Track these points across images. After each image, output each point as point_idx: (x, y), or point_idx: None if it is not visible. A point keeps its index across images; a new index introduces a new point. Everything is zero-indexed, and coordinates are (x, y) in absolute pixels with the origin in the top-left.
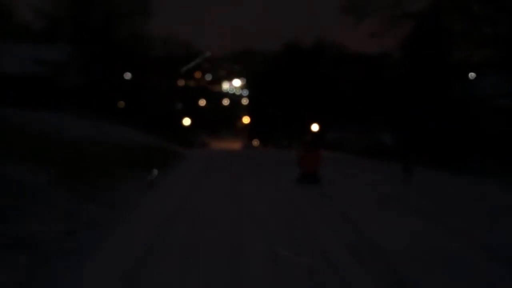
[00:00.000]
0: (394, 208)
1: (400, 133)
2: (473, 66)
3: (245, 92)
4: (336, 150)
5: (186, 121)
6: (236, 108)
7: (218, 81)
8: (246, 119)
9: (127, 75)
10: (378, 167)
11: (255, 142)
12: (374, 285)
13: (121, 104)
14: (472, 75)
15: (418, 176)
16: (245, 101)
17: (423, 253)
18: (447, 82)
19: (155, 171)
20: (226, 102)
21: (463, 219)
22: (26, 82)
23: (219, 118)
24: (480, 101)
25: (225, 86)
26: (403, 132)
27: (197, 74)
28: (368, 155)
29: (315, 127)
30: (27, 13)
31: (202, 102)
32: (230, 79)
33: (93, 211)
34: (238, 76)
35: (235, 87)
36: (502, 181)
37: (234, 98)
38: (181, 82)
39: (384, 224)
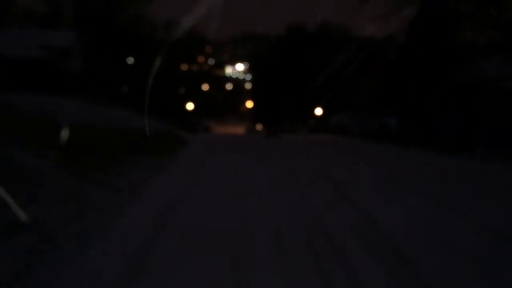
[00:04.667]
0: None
1: (405, 116)
2: (479, 48)
3: (248, 77)
4: (341, 134)
5: (190, 106)
6: (239, 92)
7: (221, 65)
8: (249, 104)
9: (130, 60)
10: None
11: (259, 127)
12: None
13: (124, 88)
14: None
15: (422, 159)
16: (248, 86)
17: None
18: (453, 64)
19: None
20: (229, 86)
21: (464, 199)
22: (31, 66)
23: (222, 102)
24: (486, 84)
25: (228, 70)
26: (408, 115)
27: (200, 59)
28: (372, 139)
29: (318, 111)
30: None
31: (205, 87)
32: (233, 63)
33: (100, 194)
34: (241, 60)
35: (238, 71)
36: (508, 164)
37: (237, 82)
38: (184, 67)
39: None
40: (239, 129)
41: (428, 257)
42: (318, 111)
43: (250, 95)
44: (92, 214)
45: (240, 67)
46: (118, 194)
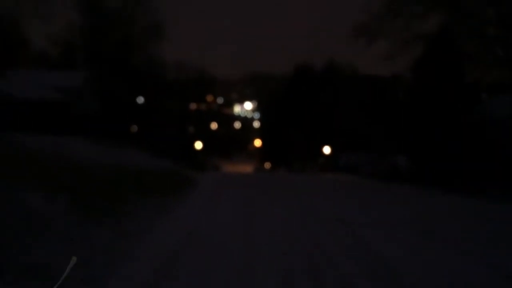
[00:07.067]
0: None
1: (415, 155)
2: (487, 87)
3: (257, 115)
4: (350, 174)
5: (198, 145)
6: (247, 131)
7: (229, 104)
8: (257, 142)
9: (140, 99)
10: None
11: (267, 165)
12: None
13: (135, 128)
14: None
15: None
16: (256, 124)
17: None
18: (460, 103)
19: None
20: (237, 125)
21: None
22: (44, 108)
23: (230, 141)
24: (495, 123)
25: (237, 109)
26: (418, 155)
27: (209, 98)
28: (382, 179)
29: (327, 150)
30: (43, 41)
31: (214, 126)
32: (241, 102)
33: (108, 238)
34: (249, 99)
35: (247, 110)
36: None
37: (246, 121)
38: (193, 106)
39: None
40: (247, 168)
41: None
42: (327, 150)
43: (259, 133)
44: (99, 258)
45: (248, 105)
46: (126, 237)
